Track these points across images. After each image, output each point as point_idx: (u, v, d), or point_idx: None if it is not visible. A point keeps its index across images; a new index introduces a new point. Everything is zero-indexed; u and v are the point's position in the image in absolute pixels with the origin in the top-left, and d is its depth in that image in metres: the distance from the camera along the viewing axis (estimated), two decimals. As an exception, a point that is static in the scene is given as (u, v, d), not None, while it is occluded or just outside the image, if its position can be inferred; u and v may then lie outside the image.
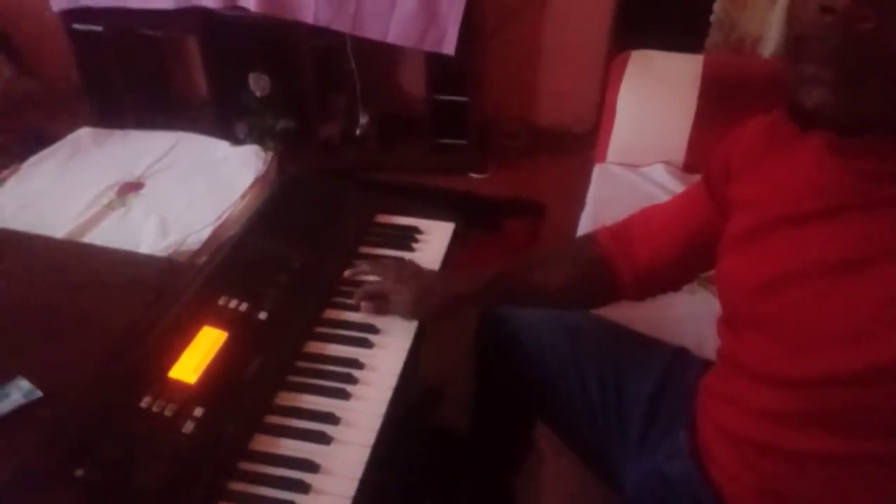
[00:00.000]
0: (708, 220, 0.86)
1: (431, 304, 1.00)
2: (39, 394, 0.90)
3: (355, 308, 1.03)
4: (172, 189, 1.70)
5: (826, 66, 0.60)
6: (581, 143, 2.47)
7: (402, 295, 1.00)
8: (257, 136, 2.35)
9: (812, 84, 0.61)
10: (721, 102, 1.63)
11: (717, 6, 2.01)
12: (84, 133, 1.92)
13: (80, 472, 0.75)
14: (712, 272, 0.99)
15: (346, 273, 1.09)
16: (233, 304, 0.98)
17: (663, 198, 1.49)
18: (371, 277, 1.06)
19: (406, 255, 1.14)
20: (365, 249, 1.16)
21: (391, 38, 2.22)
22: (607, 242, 0.96)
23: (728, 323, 0.82)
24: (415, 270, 1.05)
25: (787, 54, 0.65)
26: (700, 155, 1.66)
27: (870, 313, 0.64)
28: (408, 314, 1.00)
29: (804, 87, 0.62)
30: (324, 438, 0.84)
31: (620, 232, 0.96)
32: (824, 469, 0.70)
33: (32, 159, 1.80)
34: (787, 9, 0.67)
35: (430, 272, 1.08)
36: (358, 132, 2.56)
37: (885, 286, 0.64)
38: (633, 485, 0.92)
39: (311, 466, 0.80)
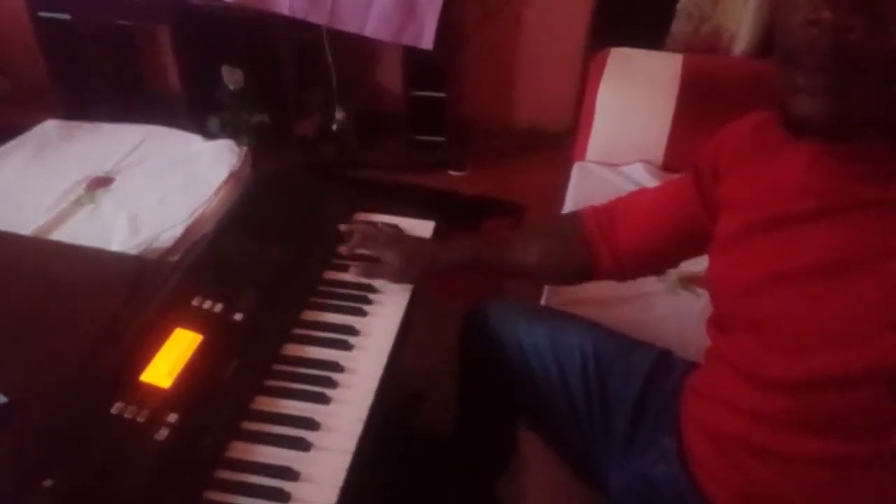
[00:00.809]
0: (693, 213, 0.87)
1: (420, 263, 1.04)
2: (4, 399, 0.87)
3: (335, 309, 1.01)
4: (143, 184, 1.66)
5: (816, 76, 0.61)
6: (559, 141, 2.47)
7: (391, 258, 1.03)
8: (231, 131, 2.31)
9: (803, 94, 0.62)
10: (700, 101, 1.64)
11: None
12: (50, 126, 1.86)
13: (48, 483, 0.71)
14: (695, 272, 0.99)
15: (342, 227, 1.12)
16: (207, 304, 0.95)
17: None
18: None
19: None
20: (344, 248, 1.13)
21: (369, 32, 2.18)
22: (591, 222, 0.98)
23: (718, 323, 0.82)
24: (403, 236, 1.11)
25: (776, 64, 0.64)
26: (679, 153, 1.67)
27: (858, 315, 0.64)
28: (396, 277, 1.04)
29: (795, 97, 0.62)
30: (303, 445, 0.81)
31: (605, 213, 0.98)
32: (812, 471, 0.70)
33: (-4, 152, 1.74)
34: (774, 19, 0.67)
35: (418, 238, 1.13)
36: (334, 128, 2.53)
37: (873, 288, 0.64)
38: (618, 488, 0.91)
39: (290, 474, 0.78)
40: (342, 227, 1.12)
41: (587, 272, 0.99)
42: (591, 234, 0.97)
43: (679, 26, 2.06)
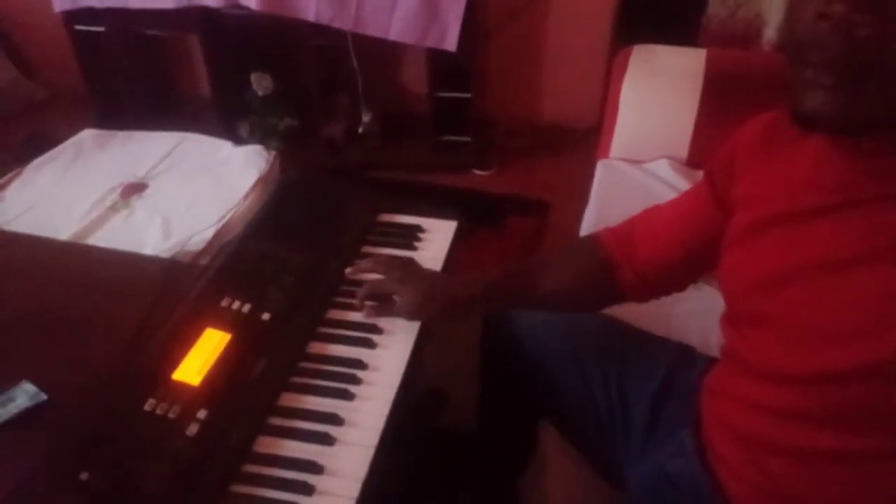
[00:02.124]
0: (711, 220, 0.86)
1: (434, 308, 0.97)
2: (45, 397, 0.90)
3: (358, 308, 1.02)
4: (175, 190, 1.71)
5: (825, 71, 0.60)
6: (584, 139, 2.46)
7: (404, 297, 0.98)
8: (260, 136, 2.35)
9: (812, 88, 0.62)
10: (724, 97, 1.62)
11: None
12: (87, 135, 1.92)
13: (84, 476, 0.75)
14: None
15: (347, 271, 1.07)
16: (236, 305, 0.98)
17: (667, 193, 1.49)
18: (372, 276, 1.04)
19: (409, 253, 1.14)
20: (368, 249, 1.16)
21: (393, 36, 2.21)
22: (610, 244, 0.95)
23: (730, 320, 0.82)
24: (417, 271, 1.02)
25: (787, 58, 0.64)
26: (703, 150, 1.65)
27: (870, 310, 0.64)
28: (410, 316, 0.99)
29: (805, 92, 0.62)
30: (327, 440, 0.83)
31: (623, 233, 0.96)
32: (828, 465, 0.70)
33: (35, 162, 1.80)
34: (786, 12, 0.67)
35: (433, 273, 1.05)
36: (361, 130, 2.56)
37: (885, 283, 0.63)
38: (637, 484, 0.91)
39: (314, 468, 0.80)
40: (347, 272, 1.06)
41: (611, 294, 0.96)
42: (612, 256, 0.94)
43: (714, 9, 2.04)
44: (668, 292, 0.97)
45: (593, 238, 0.98)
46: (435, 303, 0.97)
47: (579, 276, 0.97)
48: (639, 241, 0.93)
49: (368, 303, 1.01)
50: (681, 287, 0.97)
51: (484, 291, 0.97)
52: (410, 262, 1.04)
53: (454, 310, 0.98)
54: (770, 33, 1.92)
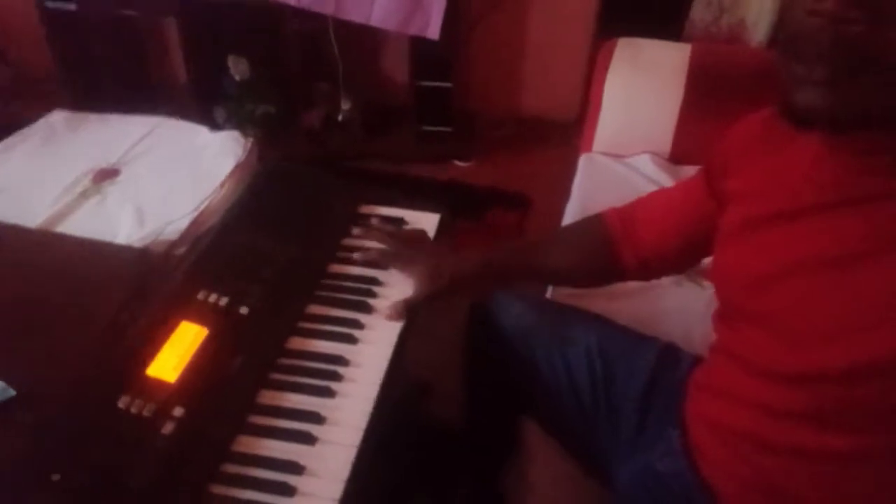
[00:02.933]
0: (706, 213, 0.87)
1: (440, 285, 0.99)
2: (12, 392, 0.87)
3: (340, 303, 1.00)
4: (150, 176, 1.66)
5: (817, 66, 0.60)
6: (567, 130, 2.46)
7: (412, 276, 0.99)
8: (237, 122, 2.30)
9: (803, 84, 0.61)
10: (708, 92, 1.62)
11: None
12: (57, 117, 1.86)
13: (56, 477, 0.72)
14: (701, 265, 0.99)
15: (355, 231, 1.08)
16: (213, 298, 0.95)
17: (649, 188, 1.49)
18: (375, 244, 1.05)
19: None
20: (349, 241, 1.13)
21: (374, 22, 2.17)
22: (614, 224, 0.99)
23: (724, 316, 0.82)
24: (424, 248, 1.04)
25: (779, 54, 0.64)
26: (686, 145, 1.65)
27: (866, 309, 0.64)
28: (416, 297, 0.99)
29: (796, 88, 0.62)
30: (309, 439, 0.81)
31: (627, 214, 0.99)
32: (819, 464, 0.70)
33: (2, 144, 1.74)
34: (779, 10, 0.67)
35: (440, 250, 1.06)
36: (340, 118, 2.53)
37: (881, 282, 0.63)
38: (625, 482, 0.91)
39: (295, 468, 0.78)
40: (355, 232, 1.07)
41: (612, 273, 1.00)
42: (614, 235, 0.98)
43: (699, 14, 2.04)
44: (668, 274, 1.04)
45: (599, 218, 1.02)
46: (442, 280, 0.99)
47: (583, 254, 1.01)
48: (640, 225, 0.97)
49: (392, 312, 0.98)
50: (679, 270, 1.06)
51: (489, 268, 1.02)
52: (420, 239, 1.06)
53: (458, 287, 1.00)
54: (756, 38, 1.92)
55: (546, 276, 1.04)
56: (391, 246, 1.04)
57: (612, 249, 0.98)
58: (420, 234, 1.08)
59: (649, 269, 0.98)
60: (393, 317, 0.97)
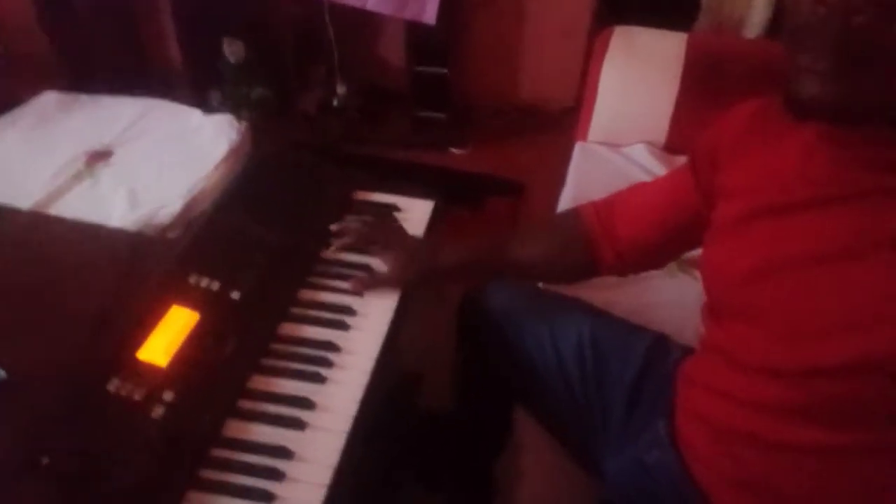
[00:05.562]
0: (692, 206, 0.86)
1: (412, 273, 1.01)
2: (3, 375, 0.87)
3: (332, 289, 1.00)
4: (143, 159, 1.65)
5: (821, 57, 0.60)
6: (563, 119, 2.44)
7: (386, 263, 1.02)
8: (232, 105, 2.29)
9: (807, 75, 0.61)
10: (704, 82, 1.61)
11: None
12: (49, 98, 1.84)
13: (45, 461, 0.72)
14: (693, 255, 0.99)
15: (333, 227, 1.08)
16: (204, 282, 0.95)
17: (644, 178, 1.49)
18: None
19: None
20: (331, 250, 1.12)
21: (370, 6, 2.15)
22: (591, 219, 0.96)
23: (713, 311, 0.81)
24: (400, 238, 1.06)
25: (784, 45, 0.64)
26: (682, 135, 1.65)
27: (857, 305, 0.64)
28: (388, 283, 1.01)
29: (800, 78, 0.62)
30: (299, 424, 0.82)
31: (604, 209, 0.97)
32: (806, 460, 0.70)
33: (-7, 125, 1.72)
34: (786, 1, 0.66)
35: (417, 241, 1.09)
36: (336, 103, 2.51)
37: (873, 278, 0.63)
38: (613, 472, 0.92)
39: (285, 453, 0.78)
40: (333, 228, 1.08)
41: (589, 269, 0.98)
42: (592, 230, 0.96)
43: (701, 25, 2.05)
44: (646, 269, 1.01)
45: (575, 213, 1.00)
46: (413, 268, 1.01)
47: (558, 250, 1.00)
48: (618, 220, 0.94)
49: (356, 274, 1.02)
50: (658, 266, 1.02)
51: (463, 262, 1.02)
52: (396, 231, 1.09)
53: (432, 277, 1.03)
54: (756, 31, 1.92)
55: (520, 271, 1.03)
56: (369, 233, 1.05)
57: (588, 245, 0.96)
58: (399, 228, 1.10)
59: (626, 265, 0.96)
60: (356, 287, 0.99)
